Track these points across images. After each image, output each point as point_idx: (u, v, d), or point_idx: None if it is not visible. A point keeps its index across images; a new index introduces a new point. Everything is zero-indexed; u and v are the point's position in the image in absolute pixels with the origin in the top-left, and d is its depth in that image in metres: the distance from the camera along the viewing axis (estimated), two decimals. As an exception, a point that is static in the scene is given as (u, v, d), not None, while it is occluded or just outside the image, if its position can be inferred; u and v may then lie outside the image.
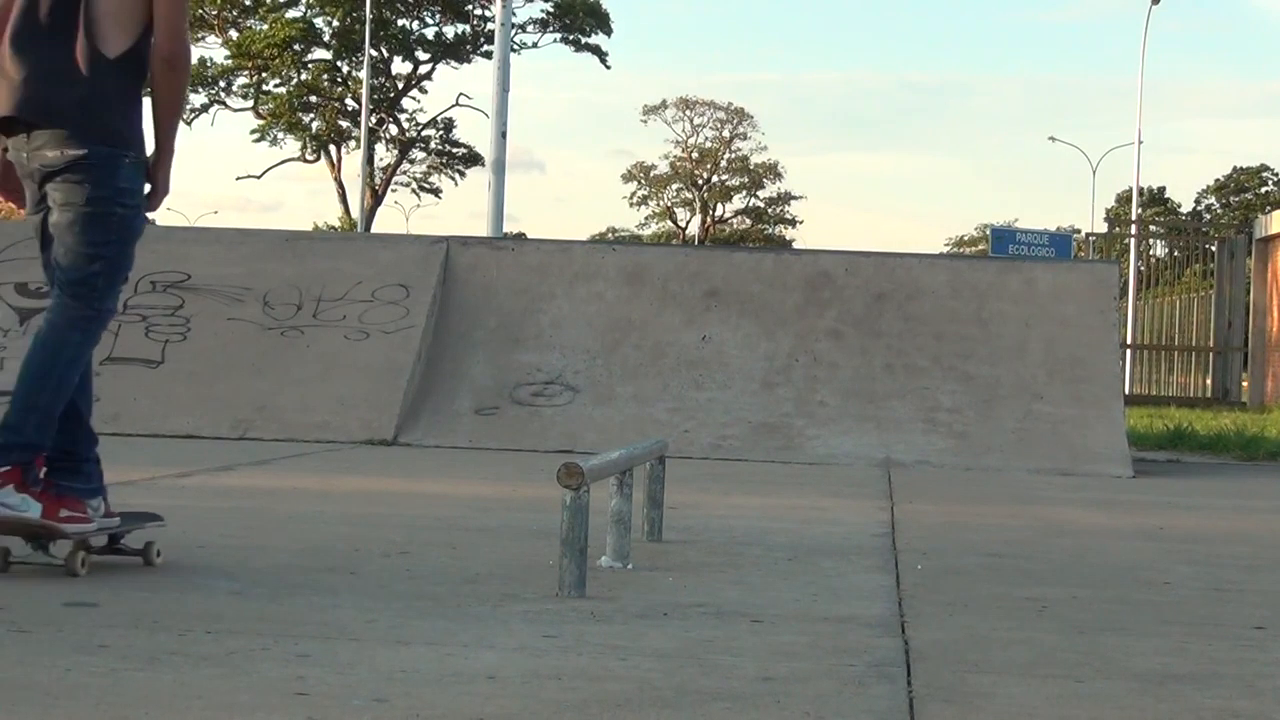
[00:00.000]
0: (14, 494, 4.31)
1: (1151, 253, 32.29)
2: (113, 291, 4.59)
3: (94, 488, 4.55)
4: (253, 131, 51.98)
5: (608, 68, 52.43)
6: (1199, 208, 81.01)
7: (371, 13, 45.64)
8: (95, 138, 4.40)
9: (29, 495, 4.34)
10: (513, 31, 21.64)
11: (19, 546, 4.47)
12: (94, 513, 4.48)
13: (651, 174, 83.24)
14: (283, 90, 50.97)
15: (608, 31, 51.46)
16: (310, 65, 51.41)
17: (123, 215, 4.48)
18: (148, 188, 4.59)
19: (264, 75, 50.36)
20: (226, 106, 50.47)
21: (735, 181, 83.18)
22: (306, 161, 53.21)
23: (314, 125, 52.11)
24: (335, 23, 50.49)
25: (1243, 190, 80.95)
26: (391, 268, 11.15)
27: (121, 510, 4.70)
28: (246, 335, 10.80)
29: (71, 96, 4.38)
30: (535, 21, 50.97)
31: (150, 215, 4.65)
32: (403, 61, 52.37)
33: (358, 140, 47.81)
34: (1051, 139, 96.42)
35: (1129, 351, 24.39)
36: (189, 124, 49.63)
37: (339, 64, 51.79)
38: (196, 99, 49.30)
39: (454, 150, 56.09)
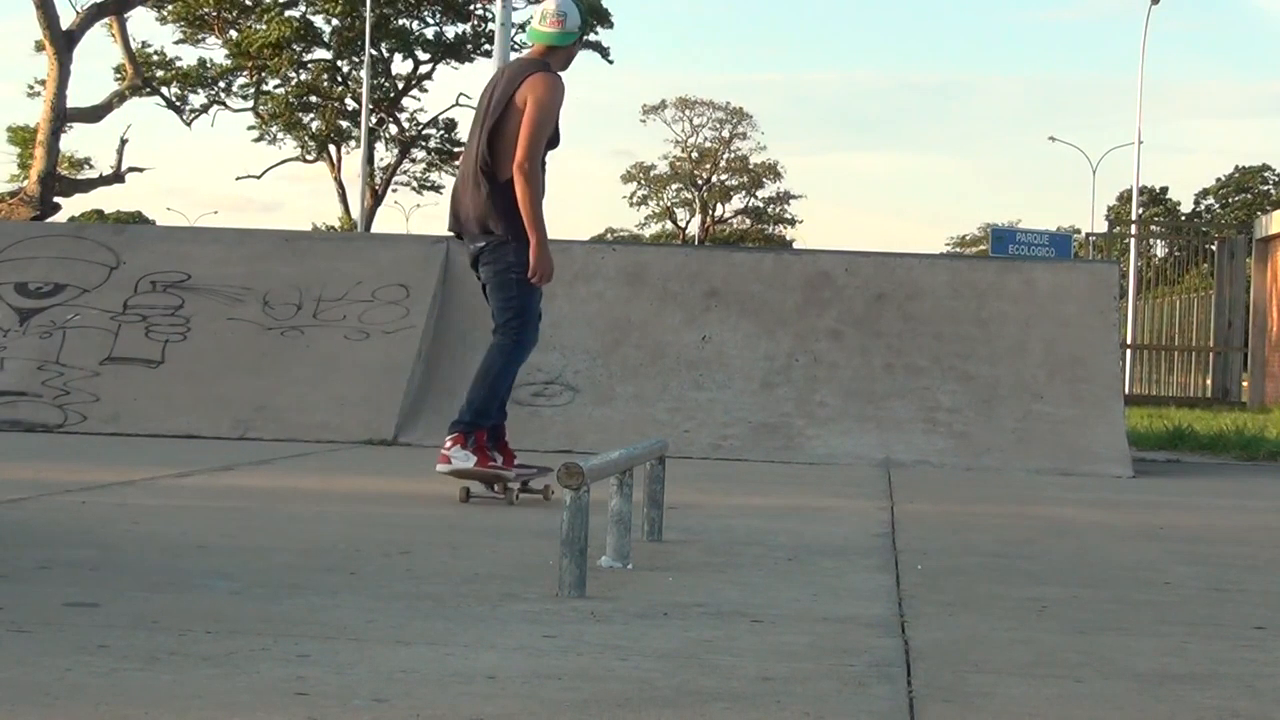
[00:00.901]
0: (459, 450, 6.75)
1: (1152, 253, 32.28)
2: (525, 328, 6.88)
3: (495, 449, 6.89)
4: (250, 128, 52.00)
5: (610, 62, 52.36)
6: (1199, 208, 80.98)
7: (372, 13, 45.60)
8: (493, 233, 6.75)
9: (467, 451, 6.75)
10: (513, 31, 21.62)
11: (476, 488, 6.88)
12: (493, 464, 6.84)
13: (651, 174, 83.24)
14: (282, 90, 50.94)
15: (609, 26, 51.38)
16: (310, 65, 51.37)
17: (517, 280, 6.78)
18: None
19: (263, 75, 50.32)
20: (226, 107, 50.39)
21: (735, 181, 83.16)
22: (306, 161, 53.15)
23: (314, 125, 52.07)
24: (335, 21, 50.43)
25: (1244, 190, 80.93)
26: (391, 268, 11.15)
27: (528, 464, 6.99)
28: (246, 335, 10.80)
29: (481, 211, 6.74)
30: (535, 21, 50.90)
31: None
32: (403, 61, 52.36)
33: (358, 140, 47.79)
34: (1051, 139, 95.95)
35: (1129, 351, 24.39)
36: (189, 125, 49.56)
37: (339, 64, 51.74)
38: (196, 99, 49.34)
39: (455, 149, 56.06)
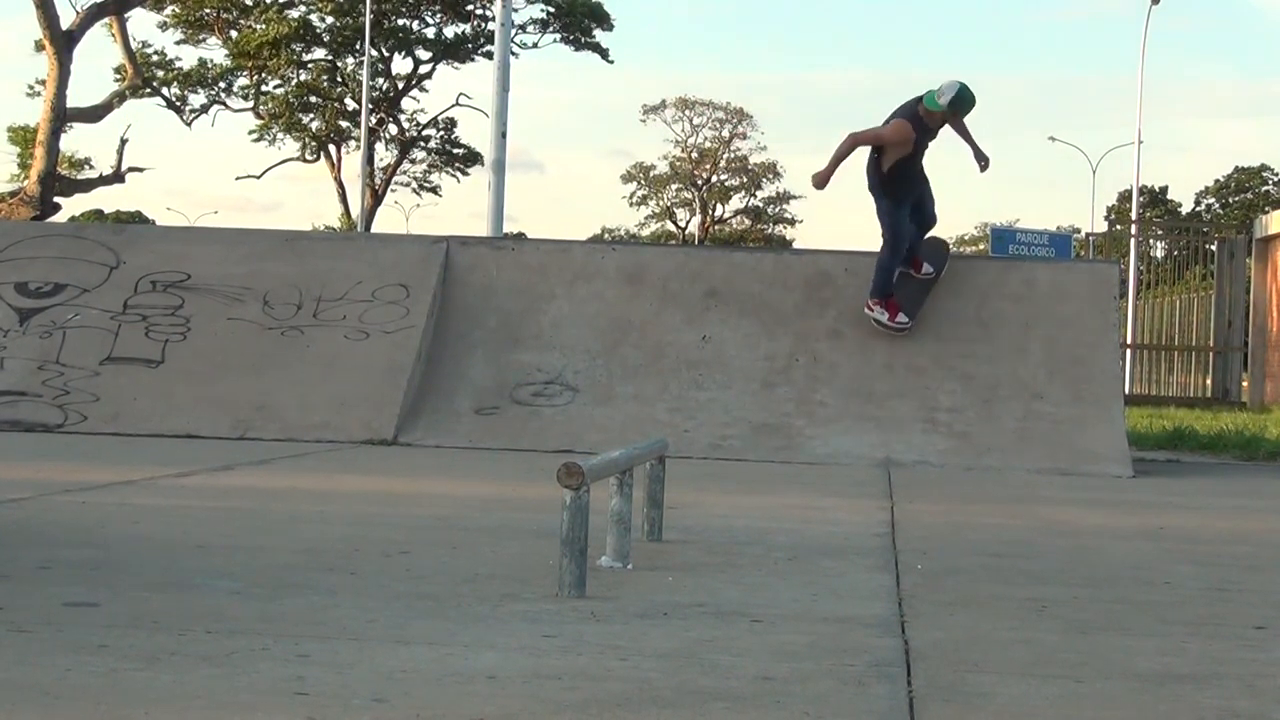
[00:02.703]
0: (879, 309, 10.56)
1: (1152, 253, 32.27)
2: (898, 240, 10.66)
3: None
4: (251, 131, 52.00)
5: (610, 62, 52.33)
6: (1199, 208, 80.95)
7: (372, 13, 45.58)
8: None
9: (883, 308, 10.55)
10: (513, 31, 21.62)
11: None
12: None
13: (651, 174, 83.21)
14: (282, 90, 50.93)
15: (608, 28, 51.37)
16: (310, 65, 51.36)
17: (886, 212, 10.76)
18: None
19: (263, 76, 50.32)
20: (226, 107, 50.41)
21: (734, 181, 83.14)
22: (306, 161, 53.14)
23: (314, 125, 52.07)
24: (329, 20, 50.37)
25: (1243, 190, 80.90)
26: (391, 268, 11.15)
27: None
28: (246, 335, 10.80)
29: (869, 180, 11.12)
30: (535, 22, 50.88)
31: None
32: (403, 59, 52.34)
33: (358, 140, 47.75)
34: (1051, 139, 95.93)
35: (1129, 351, 24.37)
36: (189, 125, 49.66)
37: (338, 64, 51.72)
38: (196, 99, 49.32)
39: (454, 150, 56.03)
